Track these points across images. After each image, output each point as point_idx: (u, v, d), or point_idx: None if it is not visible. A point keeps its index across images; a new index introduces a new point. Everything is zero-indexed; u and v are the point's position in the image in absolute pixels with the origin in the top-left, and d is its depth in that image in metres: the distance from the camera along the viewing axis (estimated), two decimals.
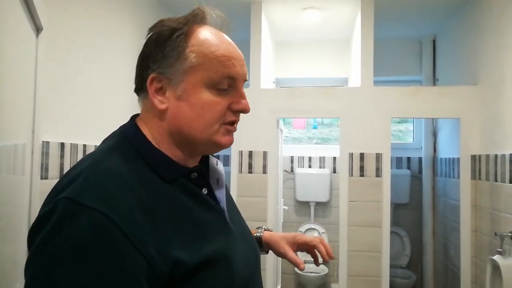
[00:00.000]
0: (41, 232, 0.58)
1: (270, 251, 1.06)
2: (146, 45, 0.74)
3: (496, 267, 2.13)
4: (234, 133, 0.77)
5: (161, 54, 0.71)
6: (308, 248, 1.03)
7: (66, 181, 0.64)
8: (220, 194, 0.79)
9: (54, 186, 0.66)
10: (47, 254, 0.56)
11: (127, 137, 0.73)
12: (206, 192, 0.76)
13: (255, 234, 1.04)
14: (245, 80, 0.76)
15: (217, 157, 0.87)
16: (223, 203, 0.79)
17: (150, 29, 0.75)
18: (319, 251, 1.01)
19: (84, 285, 0.54)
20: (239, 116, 0.76)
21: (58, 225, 0.57)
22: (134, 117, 0.79)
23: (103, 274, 0.55)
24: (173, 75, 0.71)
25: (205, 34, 0.73)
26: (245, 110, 0.74)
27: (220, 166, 0.84)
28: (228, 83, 0.72)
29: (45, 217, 0.59)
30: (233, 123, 0.75)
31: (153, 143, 0.73)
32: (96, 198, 0.59)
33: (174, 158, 0.73)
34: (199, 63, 0.70)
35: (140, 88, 0.75)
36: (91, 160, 0.67)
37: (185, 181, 0.73)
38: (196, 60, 0.70)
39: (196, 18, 0.74)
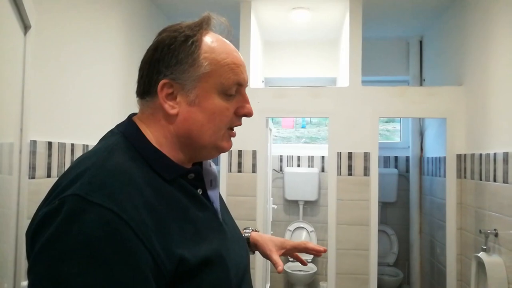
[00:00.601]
0: (47, 230, 0.57)
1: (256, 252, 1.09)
2: (156, 50, 0.74)
3: (481, 264, 2.17)
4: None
5: (174, 60, 0.72)
6: (298, 250, 1.07)
7: (69, 179, 0.63)
8: (214, 195, 0.81)
9: (54, 185, 0.66)
10: (55, 251, 0.55)
11: (128, 137, 0.73)
12: (201, 192, 0.78)
13: (243, 235, 1.06)
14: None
15: None
16: (217, 204, 0.81)
17: (160, 34, 0.75)
18: (310, 248, 1.05)
19: (95, 283, 0.54)
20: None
21: (66, 222, 0.57)
22: (131, 116, 0.79)
23: (114, 271, 0.55)
24: (186, 81, 0.72)
25: (214, 41, 0.75)
26: (250, 114, 0.78)
27: (213, 168, 0.85)
28: (236, 89, 0.76)
29: (51, 215, 0.59)
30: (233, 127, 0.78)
31: (154, 144, 0.73)
32: (105, 195, 0.59)
33: (173, 159, 0.75)
34: (212, 70, 0.73)
35: (147, 91, 0.75)
36: (96, 158, 0.67)
37: (183, 181, 0.74)
38: (209, 67, 0.73)
39: (204, 25, 0.76)
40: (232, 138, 0.80)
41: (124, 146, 0.71)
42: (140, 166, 0.69)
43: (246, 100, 0.78)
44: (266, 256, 1.05)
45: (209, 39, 0.75)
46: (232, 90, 0.75)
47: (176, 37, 0.73)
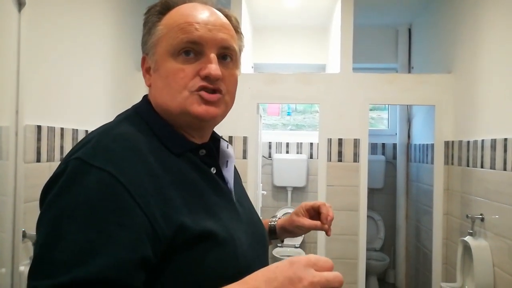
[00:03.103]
0: (53, 190, 0.61)
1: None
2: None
3: (467, 248, 2.23)
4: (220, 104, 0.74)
5: (145, 35, 0.76)
6: (315, 208, 1.01)
7: (78, 146, 0.67)
8: (229, 176, 0.80)
9: (69, 152, 0.68)
10: (56, 210, 0.59)
11: (139, 112, 0.76)
12: (214, 171, 0.77)
13: (270, 223, 1.04)
14: (225, 47, 0.73)
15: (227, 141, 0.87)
16: (231, 185, 0.80)
17: None
18: (322, 212, 0.99)
19: (89, 239, 0.56)
20: (214, 82, 0.71)
21: (68, 183, 0.60)
22: (147, 96, 0.80)
23: (108, 230, 0.57)
24: (149, 51, 0.75)
25: (182, 8, 0.74)
26: (210, 75, 0.70)
27: (230, 150, 0.84)
28: (194, 49, 0.71)
29: (57, 177, 0.63)
30: (208, 90, 0.71)
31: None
32: (105, 159, 0.62)
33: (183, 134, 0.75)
34: (163, 33, 0.72)
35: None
36: (104, 128, 0.70)
37: (193, 157, 0.74)
38: (161, 31, 0.73)
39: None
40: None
41: (134, 119, 0.74)
42: (148, 137, 0.70)
43: (208, 60, 0.71)
44: (299, 229, 1.00)
45: (179, 9, 0.75)
46: (186, 50, 0.71)
47: (147, 13, 0.76)
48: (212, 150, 0.77)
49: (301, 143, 4.09)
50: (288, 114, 5.06)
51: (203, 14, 0.73)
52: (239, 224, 0.75)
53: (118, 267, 0.56)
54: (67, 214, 0.58)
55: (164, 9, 0.75)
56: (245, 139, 2.86)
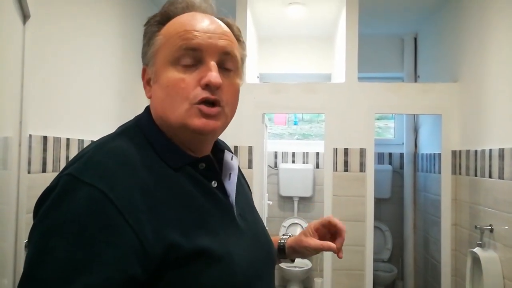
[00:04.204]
0: (44, 205, 0.61)
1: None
2: None
3: (476, 259, 2.19)
4: (219, 118, 0.71)
5: (144, 47, 0.75)
6: (324, 225, 0.94)
7: (72, 161, 0.66)
8: (231, 189, 0.77)
9: (64, 167, 0.68)
10: (45, 227, 0.59)
11: (138, 124, 0.74)
12: (215, 185, 0.74)
13: (279, 241, 0.99)
14: (225, 53, 0.71)
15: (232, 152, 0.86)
16: (233, 198, 0.77)
17: None
18: (333, 223, 0.92)
19: (75, 257, 0.56)
20: (216, 93, 0.69)
21: (57, 199, 0.60)
22: (149, 107, 0.79)
23: (94, 248, 0.56)
24: (148, 62, 0.73)
25: (181, 18, 0.72)
26: (210, 83, 0.67)
27: (234, 162, 0.81)
28: (194, 57, 0.69)
29: (49, 192, 0.62)
30: (208, 102, 0.69)
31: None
32: (96, 175, 0.61)
33: (182, 147, 0.73)
34: (163, 43, 0.71)
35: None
36: (99, 141, 0.70)
37: (191, 170, 0.72)
38: (160, 41, 0.71)
39: (175, 7, 0.74)
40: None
41: (133, 132, 0.72)
42: (145, 151, 0.69)
43: (208, 68, 0.68)
44: (308, 251, 0.94)
45: (179, 18, 0.73)
46: (187, 59, 0.69)
47: (146, 24, 0.75)
48: (212, 163, 0.75)
49: (307, 153, 4.08)
50: (295, 123, 5.05)
51: (203, 23, 0.71)
52: (239, 240, 0.73)
53: (104, 287, 0.55)
54: (55, 231, 0.58)
55: (163, 19, 0.74)
56: (250, 149, 2.85)
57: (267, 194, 3.59)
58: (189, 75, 0.69)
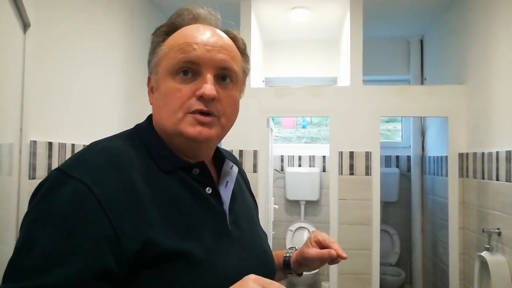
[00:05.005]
0: (35, 198, 0.65)
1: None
2: None
3: (484, 263, 2.16)
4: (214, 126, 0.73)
5: (149, 56, 0.78)
6: (323, 243, 0.92)
7: (68, 158, 0.71)
8: (226, 196, 0.78)
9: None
10: (32, 218, 0.63)
11: (137, 129, 0.78)
12: (210, 191, 0.75)
13: (285, 255, 0.97)
14: (223, 68, 0.73)
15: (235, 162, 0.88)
16: (227, 205, 0.78)
17: None
18: (334, 248, 0.90)
19: (56, 248, 0.59)
20: (210, 105, 0.72)
21: (45, 193, 0.63)
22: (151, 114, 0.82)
23: (74, 239, 0.59)
24: (152, 70, 0.77)
25: (185, 30, 0.75)
26: (204, 95, 0.70)
27: (234, 170, 0.82)
28: (192, 69, 0.72)
29: (39, 186, 0.66)
30: (202, 113, 0.71)
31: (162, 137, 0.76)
32: (83, 171, 0.64)
33: (176, 152, 0.75)
34: (165, 53, 0.74)
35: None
36: (93, 142, 0.73)
37: (184, 175, 0.73)
38: (163, 51, 0.74)
39: (182, 19, 0.76)
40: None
41: (131, 135, 0.76)
42: (139, 153, 0.71)
43: (204, 80, 0.71)
44: (310, 262, 0.92)
45: (183, 30, 0.76)
46: (184, 70, 0.72)
47: (153, 34, 0.78)
48: (205, 168, 0.76)
49: (313, 156, 4.07)
50: (303, 127, 5.04)
51: (204, 35, 0.74)
52: (229, 247, 0.73)
53: (78, 277, 0.57)
54: (40, 222, 0.61)
55: (170, 30, 0.76)
56: (255, 153, 2.86)
57: (273, 198, 3.59)
58: (186, 86, 0.72)
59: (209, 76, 0.72)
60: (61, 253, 0.58)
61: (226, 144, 2.79)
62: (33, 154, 1.61)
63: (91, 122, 2.11)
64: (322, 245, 0.92)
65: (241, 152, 2.85)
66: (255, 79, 3.11)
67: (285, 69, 3.99)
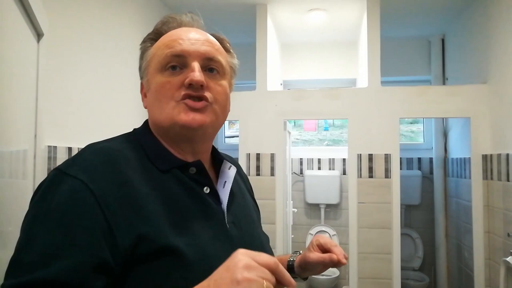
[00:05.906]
0: (34, 198, 0.67)
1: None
2: None
3: (510, 269, 2.08)
4: (211, 113, 0.75)
5: (139, 62, 0.83)
6: (324, 247, 0.92)
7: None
8: (224, 197, 0.79)
9: None
10: (31, 216, 0.64)
11: (135, 131, 0.81)
12: (208, 191, 0.77)
13: (289, 260, 0.97)
14: (209, 59, 0.76)
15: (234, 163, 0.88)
16: (225, 205, 0.79)
17: None
18: (335, 252, 0.90)
19: (55, 242, 0.60)
20: (198, 90, 0.73)
21: (44, 191, 0.66)
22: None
23: (72, 233, 0.61)
24: (143, 74, 0.81)
25: (170, 32, 0.79)
26: (192, 81, 0.73)
27: (232, 171, 0.83)
28: (179, 62, 0.75)
29: (40, 186, 0.68)
30: (193, 97, 0.73)
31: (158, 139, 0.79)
32: (80, 169, 0.66)
33: (173, 152, 0.77)
34: (153, 54, 0.78)
35: None
36: (94, 143, 0.75)
37: (180, 174, 0.75)
38: (151, 53, 0.78)
39: (167, 26, 0.80)
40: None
41: (129, 137, 0.78)
42: (137, 154, 0.74)
43: (191, 69, 0.74)
44: (312, 266, 0.91)
45: (167, 34, 0.79)
46: (171, 64, 0.75)
47: (142, 43, 0.82)
48: (202, 167, 0.77)
49: (333, 159, 4.03)
50: (325, 129, 5.00)
51: (189, 33, 0.78)
52: (225, 247, 0.72)
53: (76, 270, 0.59)
54: (39, 220, 0.63)
55: (156, 36, 0.81)
56: (272, 156, 2.85)
57: (292, 201, 3.57)
58: (175, 78, 0.75)
59: (196, 64, 0.74)
60: (59, 247, 0.60)
61: (243, 147, 2.80)
62: (52, 159, 1.66)
63: (109, 125, 2.16)
64: (324, 249, 0.92)
65: (258, 155, 2.85)
66: (272, 82, 3.11)
67: (303, 72, 3.97)
